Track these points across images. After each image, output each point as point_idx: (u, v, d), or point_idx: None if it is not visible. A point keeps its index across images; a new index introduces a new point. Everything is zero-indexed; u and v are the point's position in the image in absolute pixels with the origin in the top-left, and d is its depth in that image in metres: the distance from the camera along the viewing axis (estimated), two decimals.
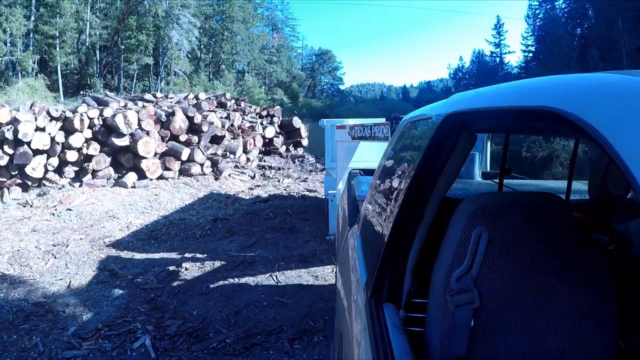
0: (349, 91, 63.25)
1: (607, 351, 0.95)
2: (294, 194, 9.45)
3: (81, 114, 7.17)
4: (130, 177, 7.78)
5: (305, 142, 14.36)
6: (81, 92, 18.04)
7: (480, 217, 0.91)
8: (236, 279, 4.54)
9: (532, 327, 0.93)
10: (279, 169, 12.12)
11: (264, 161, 12.60)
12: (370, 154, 5.44)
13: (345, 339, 1.45)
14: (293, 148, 14.06)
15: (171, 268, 4.82)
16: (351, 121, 5.37)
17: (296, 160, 13.34)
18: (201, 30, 26.17)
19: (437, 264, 0.99)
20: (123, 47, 19.89)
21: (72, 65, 20.09)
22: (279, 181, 10.88)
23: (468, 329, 0.90)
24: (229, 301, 4.00)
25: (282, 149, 13.52)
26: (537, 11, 45.51)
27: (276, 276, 4.61)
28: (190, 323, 3.57)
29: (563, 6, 43.95)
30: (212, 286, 4.36)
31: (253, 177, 10.98)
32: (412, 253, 1.11)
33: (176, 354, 3.12)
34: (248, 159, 11.74)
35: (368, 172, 3.30)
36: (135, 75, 22.35)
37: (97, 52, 20.81)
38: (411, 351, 0.92)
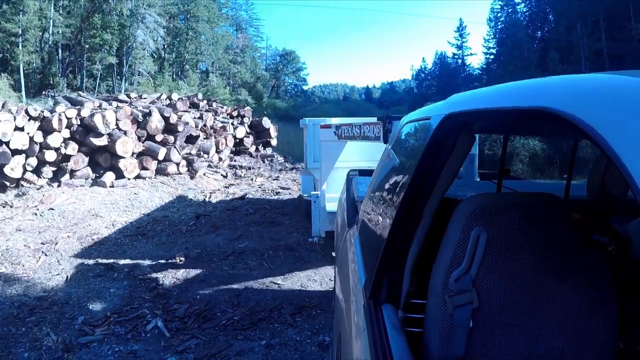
0: (312, 91, 63.39)
1: (607, 352, 0.95)
2: (269, 192, 9.72)
3: (59, 114, 7.13)
4: (109, 177, 7.80)
5: (274, 142, 14.61)
6: (44, 92, 17.50)
7: (479, 217, 0.91)
8: (230, 267, 4.79)
9: (531, 327, 0.93)
10: (249, 168, 12.34)
11: (235, 161, 12.78)
12: (354, 154, 5.35)
13: (344, 340, 1.44)
14: (262, 148, 14.28)
15: (166, 260, 5.00)
16: (334, 120, 5.34)
17: (265, 159, 13.59)
18: (166, 30, 25.83)
19: (436, 265, 0.98)
20: (87, 46, 19.33)
21: (34, 64, 19.30)
22: (252, 180, 11.12)
23: (467, 330, 0.91)
24: (228, 286, 4.26)
25: (252, 149, 13.72)
26: (499, 14, 46.23)
27: (267, 263, 4.90)
28: (196, 306, 3.81)
29: (524, 10, 45.01)
30: (208, 274, 4.59)
31: (225, 177, 11.15)
32: (411, 254, 1.11)
33: (189, 332, 3.37)
34: (220, 159, 11.89)
35: (365, 172, 3.29)
36: (99, 75, 21.81)
37: (60, 51, 20.18)
38: (410, 352, 0.91)
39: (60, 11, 18.95)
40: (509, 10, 45.33)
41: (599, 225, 1.47)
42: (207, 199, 8.61)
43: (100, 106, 8.48)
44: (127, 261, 5.03)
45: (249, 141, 13.55)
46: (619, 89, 0.56)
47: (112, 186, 7.77)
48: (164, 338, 3.30)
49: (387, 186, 1.52)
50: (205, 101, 12.84)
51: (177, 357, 3.03)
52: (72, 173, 7.58)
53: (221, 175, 11.09)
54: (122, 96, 10.55)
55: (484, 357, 0.92)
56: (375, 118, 3.20)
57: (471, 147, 1.02)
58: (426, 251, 1.13)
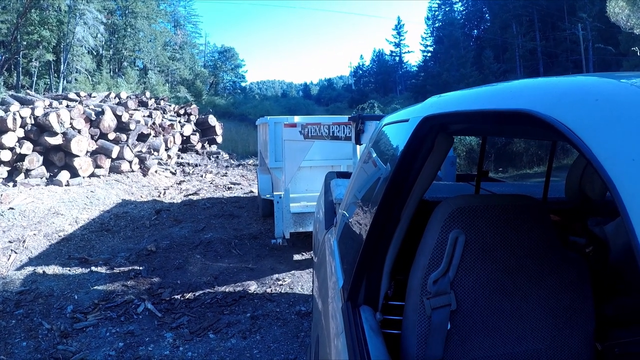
0: (250, 88, 62.42)
1: (584, 353, 0.94)
2: (221, 187, 9.93)
3: (14, 113, 6.84)
4: (64, 176, 7.60)
5: (219, 139, 14.64)
6: None
7: (458, 219, 0.89)
8: (201, 255, 5.06)
9: (509, 329, 0.91)
10: (196, 165, 12.37)
11: (182, 158, 12.72)
12: (317, 154, 5.22)
13: (322, 342, 1.41)
14: (208, 145, 14.27)
15: (138, 251, 5.16)
16: (296, 118, 5.20)
17: (211, 156, 13.64)
18: (105, 26, 24.45)
19: (414, 267, 0.96)
20: (25, 43, 17.79)
21: None
22: (202, 176, 11.21)
23: (445, 332, 0.89)
24: (204, 271, 4.56)
25: (198, 146, 13.69)
26: (437, 13, 46.72)
27: (236, 250, 5.24)
28: (179, 289, 4.09)
29: (461, 9, 45.94)
30: (183, 262, 4.84)
31: (174, 174, 11.13)
32: (389, 255, 1.08)
33: (179, 311, 3.66)
34: (169, 156, 11.80)
35: (343, 174, 3.19)
36: (36, 72, 20.18)
37: None
38: (388, 354, 0.89)
39: None
40: (446, 10, 46.04)
41: (576, 226, 1.46)
42: (162, 195, 8.66)
43: (51, 105, 8.17)
44: (99, 254, 5.11)
45: (195, 139, 13.51)
46: (600, 91, 0.54)
47: (68, 185, 7.59)
48: (156, 318, 3.56)
49: (365, 188, 1.48)
50: (153, 99, 12.62)
51: (173, 333, 3.33)
52: (27, 172, 7.31)
53: (170, 172, 11.06)
54: (72, 95, 10.13)
55: (462, 359, 0.90)
56: (347, 118, 3.22)
57: (449, 149, 1.00)
58: (404, 253, 1.11)
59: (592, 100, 0.52)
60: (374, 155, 1.57)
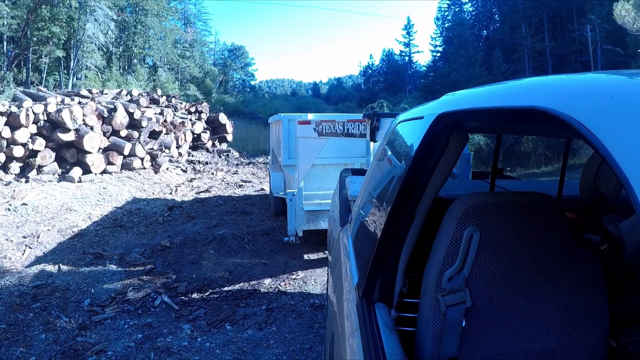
0: (259, 87, 62.76)
1: (598, 350, 0.95)
2: (232, 185, 10.02)
3: (27, 109, 7.02)
4: (76, 172, 7.76)
5: (230, 137, 14.77)
6: None
7: (472, 217, 0.90)
8: (215, 251, 5.14)
9: (524, 326, 0.92)
10: (207, 163, 12.50)
11: (192, 156, 12.86)
12: (330, 151, 5.19)
13: (337, 339, 1.43)
14: (219, 143, 14.40)
15: (152, 247, 5.25)
16: (310, 116, 5.18)
17: (222, 154, 13.76)
18: (115, 23, 24.82)
19: (428, 264, 0.97)
20: (35, 39, 18.15)
21: None
22: (213, 174, 11.33)
23: (459, 329, 0.90)
24: (218, 266, 4.63)
25: (209, 144, 13.83)
26: (446, 13, 46.87)
27: (249, 246, 5.30)
28: (195, 283, 4.16)
29: (471, 9, 46.11)
30: (197, 257, 4.91)
31: (185, 171, 11.27)
32: (404, 253, 1.09)
33: (196, 304, 3.73)
34: (180, 154, 11.96)
35: (358, 171, 3.20)
36: (46, 69, 20.58)
37: (5, 44, 18.79)
38: (402, 351, 0.90)
39: (6, 2, 17.58)
40: (456, 10, 46.17)
41: (591, 224, 1.47)
42: (173, 192, 8.77)
43: (63, 101, 8.35)
44: (114, 250, 5.22)
45: (206, 136, 13.65)
46: (616, 89, 0.54)
47: (80, 181, 7.74)
48: (173, 310, 3.64)
49: (380, 185, 1.49)
50: (164, 97, 12.79)
51: (191, 325, 3.39)
52: (40, 169, 7.48)
53: (181, 169, 11.20)
54: (84, 91, 10.33)
55: (477, 356, 0.91)
56: (361, 115, 3.36)
57: (464, 146, 1.01)
58: (419, 250, 1.13)
59: (608, 97, 0.52)
60: (389, 152, 1.58)
